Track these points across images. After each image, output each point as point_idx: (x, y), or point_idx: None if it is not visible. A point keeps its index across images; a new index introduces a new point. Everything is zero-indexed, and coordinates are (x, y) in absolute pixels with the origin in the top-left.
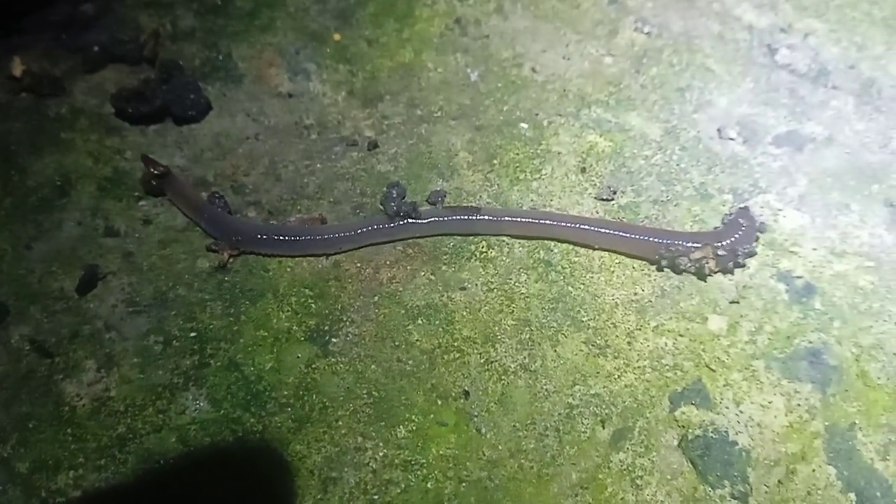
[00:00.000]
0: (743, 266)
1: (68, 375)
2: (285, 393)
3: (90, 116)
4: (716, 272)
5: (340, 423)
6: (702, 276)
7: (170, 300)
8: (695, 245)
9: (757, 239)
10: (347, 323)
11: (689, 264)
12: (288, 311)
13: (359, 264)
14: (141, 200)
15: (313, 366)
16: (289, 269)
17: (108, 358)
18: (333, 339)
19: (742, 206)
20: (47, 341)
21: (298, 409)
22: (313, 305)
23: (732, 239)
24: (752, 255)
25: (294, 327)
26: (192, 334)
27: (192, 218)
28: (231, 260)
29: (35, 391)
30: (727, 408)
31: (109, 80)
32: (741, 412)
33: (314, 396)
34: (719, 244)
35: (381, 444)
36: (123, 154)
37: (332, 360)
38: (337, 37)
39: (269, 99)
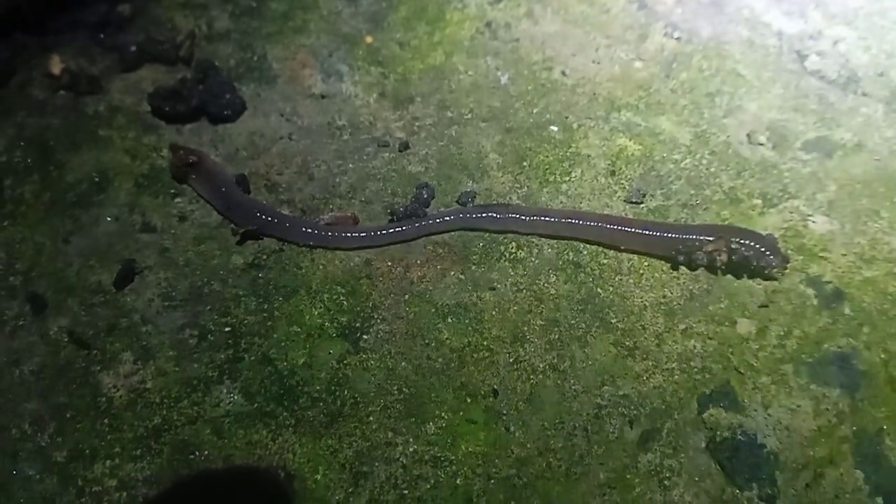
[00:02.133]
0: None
1: (105, 367)
2: (317, 388)
3: (127, 114)
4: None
5: (371, 418)
6: (713, 269)
7: (205, 295)
8: (708, 238)
9: (762, 263)
10: (378, 320)
11: (703, 257)
12: (320, 307)
13: (389, 263)
14: (177, 197)
15: (345, 362)
16: (321, 267)
17: (145, 350)
18: (365, 336)
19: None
20: (85, 333)
21: (330, 403)
22: (345, 303)
23: (744, 241)
24: (743, 260)
25: (326, 324)
26: (227, 329)
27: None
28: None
29: (73, 382)
30: (755, 411)
31: (146, 80)
32: (770, 415)
33: (346, 392)
34: (734, 239)
35: (411, 439)
36: (160, 152)
37: (364, 356)
38: (369, 39)
39: (303, 100)
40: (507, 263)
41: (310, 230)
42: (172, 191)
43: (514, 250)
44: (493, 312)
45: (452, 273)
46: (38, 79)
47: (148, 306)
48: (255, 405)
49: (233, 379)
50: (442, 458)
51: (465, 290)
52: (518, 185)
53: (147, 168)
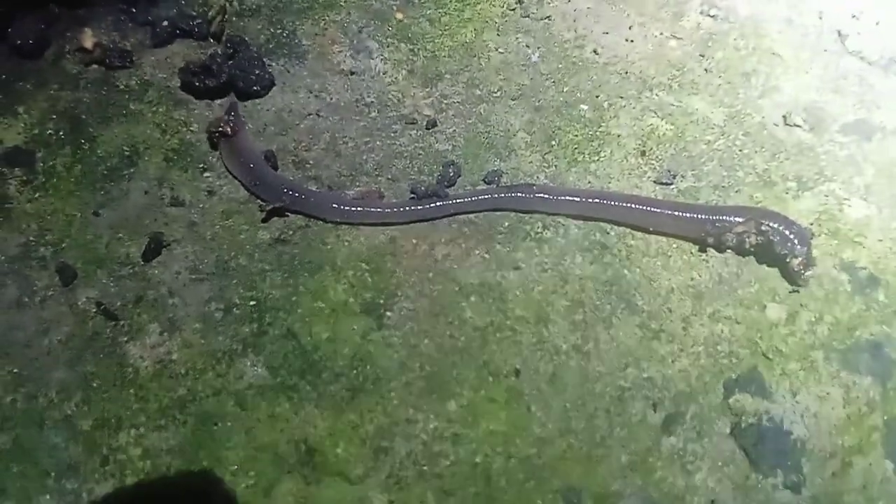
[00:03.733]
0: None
1: (132, 338)
2: (340, 363)
3: (158, 89)
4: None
5: (393, 394)
6: (742, 252)
7: (231, 269)
8: (738, 219)
9: (784, 250)
10: (402, 298)
11: (732, 238)
12: (345, 283)
13: (414, 241)
14: (206, 172)
15: (368, 338)
16: (346, 244)
17: (171, 322)
18: (388, 313)
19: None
20: (113, 304)
21: (353, 379)
22: (369, 279)
23: (774, 224)
24: (768, 244)
25: (350, 300)
26: (252, 303)
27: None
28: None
29: (100, 352)
30: (783, 397)
31: (177, 55)
32: (797, 402)
33: (368, 368)
34: (764, 221)
35: (432, 416)
36: (190, 126)
37: (387, 333)
38: (399, 16)
39: (332, 76)
40: (532, 243)
41: (335, 205)
42: (201, 165)
43: (539, 230)
44: (518, 292)
45: (477, 252)
46: (71, 52)
47: (175, 279)
48: (278, 379)
49: (257, 352)
50: (462, 436)
51: (490, 269)
52: (546, 165)
53: (177, 142)
